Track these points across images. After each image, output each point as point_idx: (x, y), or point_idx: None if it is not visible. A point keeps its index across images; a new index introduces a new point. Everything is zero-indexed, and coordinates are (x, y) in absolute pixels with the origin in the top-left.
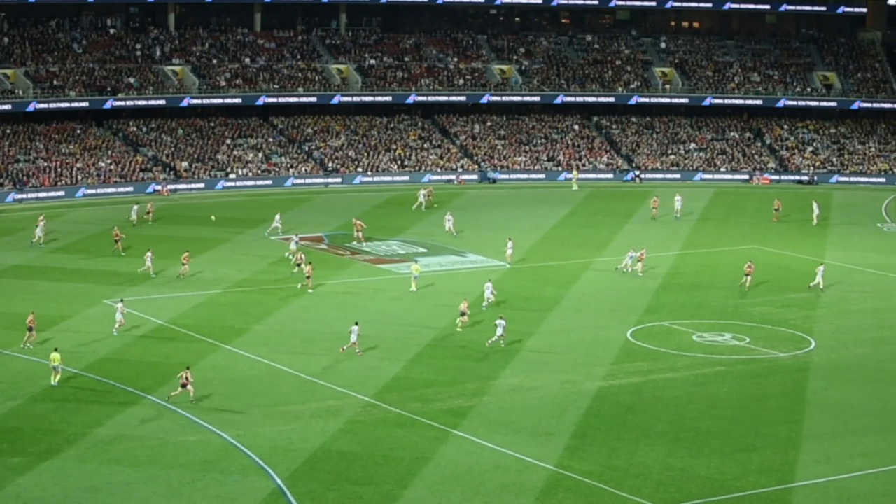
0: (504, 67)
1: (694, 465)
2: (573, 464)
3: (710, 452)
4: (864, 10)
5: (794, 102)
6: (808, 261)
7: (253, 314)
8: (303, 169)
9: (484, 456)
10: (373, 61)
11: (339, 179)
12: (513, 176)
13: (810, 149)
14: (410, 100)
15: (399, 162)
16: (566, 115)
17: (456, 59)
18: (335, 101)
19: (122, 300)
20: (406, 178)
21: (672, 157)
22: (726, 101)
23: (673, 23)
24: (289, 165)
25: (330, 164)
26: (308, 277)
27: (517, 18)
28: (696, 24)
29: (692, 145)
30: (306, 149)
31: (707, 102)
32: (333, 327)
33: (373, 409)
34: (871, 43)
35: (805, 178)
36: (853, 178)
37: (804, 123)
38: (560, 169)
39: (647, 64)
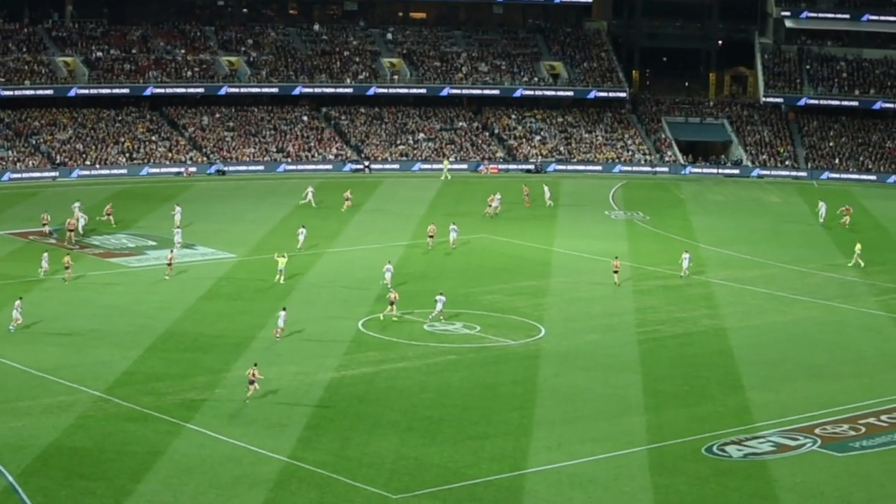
0: (232, 59)
1: (427, 453)
2: (306, 455)
3: (442, 441)
4: None
5: (531, 92)
6: (538, 249)
7: None
8: (30, 163)
9: (217, 449)
10: (100, 53)
11: (56, 173)
12: (241, 168)
13: (538, 138)
14: (148, 92)
15: (127, 155)
16: (295, 107)
17: (184, 51)
18: (72, 93)
19: None
20: (124, 171)
21: (401, 147)
22: (464, 92)
23: (400, 13)
24: (16, 159)
25: (58, 158)
26: (67, 268)
27: (245, 10)
28: (423, 15)
29: (421, 135)
30: (33, 142)
31: (445, 93)
32: (63, 322)
33: (105, 404)
34: (597, 32)
35: (532, 166)
36: (580, 167)
37: (532, 113)
38: (289, 160)
39: (376, 55)
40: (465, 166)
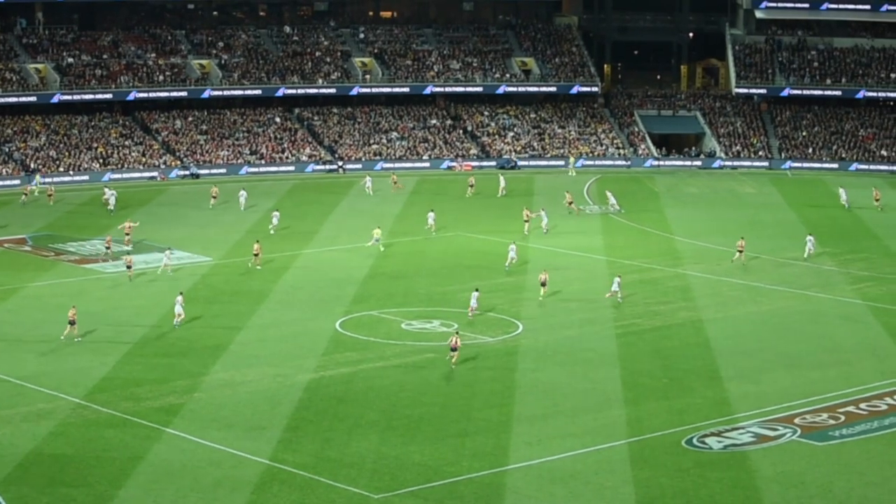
0: (203, 62)
1: (407, 452)
2: (287, 456)
3: (423, 439)
4: None
5: (514, 89)
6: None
7: None
8: (3, 171)
9: (197, 452)
10: (71, 60)
11: (17, 181)
12: (214, 171)
13: (511, 134)
14: (131, 97)
15: (101, 160)
16: (268, 108)
17: (154, 55)
18: (55, 100)
19: None
20: (86, 177)
21: (375, 146)
22: (447, 90)
23: (371, 13)
24: None
25: (32, 165)
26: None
27: (215, 13)
28: (393, 14)
29: (394, 134)
30: (6, 150)
31: (426, 91)
32: (40, 329)
33: (84, 411)
34: (568, 27)
35: (508, 163)
36: (553, 162)
37: (504, 109)
38: (263, 162)
39: (347, 55)
40: (427, 164)
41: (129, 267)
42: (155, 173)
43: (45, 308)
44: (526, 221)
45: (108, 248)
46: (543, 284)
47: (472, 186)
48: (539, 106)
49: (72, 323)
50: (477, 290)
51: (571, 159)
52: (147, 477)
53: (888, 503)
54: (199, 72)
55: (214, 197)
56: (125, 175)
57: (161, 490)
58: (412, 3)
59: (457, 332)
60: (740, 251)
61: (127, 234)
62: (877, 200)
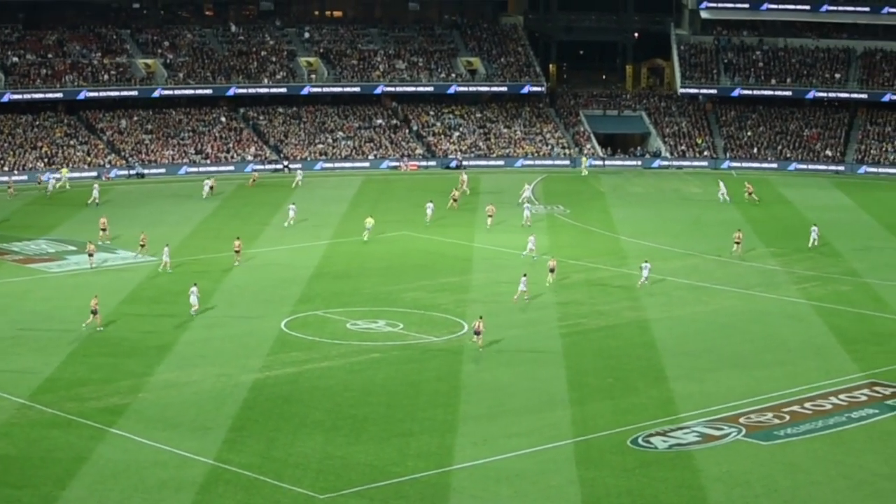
0: (149, 61)
1: (353, 452)
2: (232, 457)
3: (368, 439)
4: None
5: (465, 89)
6: (459, 245)
7: None
8: None
9: (142, 453)
10: (16, 59)
11: None
12: (158, 171)
13: (457, 134)
14: (81, 96)
15: (46, 160)
16: (213, 108)
17: (100, 55)
18: (5, 99)
19: None
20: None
21: (320, 146)
22: (397, 90)
23: (316, 12)
24: None
25: None
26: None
27: (161, 12)
28: (339, 14)
29: (340, 134)
30: None
31: (377, 91)
32: None
33: (28, 411)
34: (514, 27)
35: (453, 163)
36: (498, 162)
37: (450, 109)
38: (209, 161)
39: (293, 54)
40: (367, 164)
41: (90, 255)
42: (95, 172)
43: None
44: (489, 216)
45: (90, 254)
46: (552, 271)
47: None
48: (485, 106)
49: (94, 313)
50: (525, 275)
51: (584, 159)
52: (92, 478)
53: (832, 502)
54: (144, 71)
55: (212, 187)
56: (70, 175)
57: (106, 491)
58: (358, 3)
59: (480, 317)
60: (738, 243)
61: (103, 230)
62: (749, 194)
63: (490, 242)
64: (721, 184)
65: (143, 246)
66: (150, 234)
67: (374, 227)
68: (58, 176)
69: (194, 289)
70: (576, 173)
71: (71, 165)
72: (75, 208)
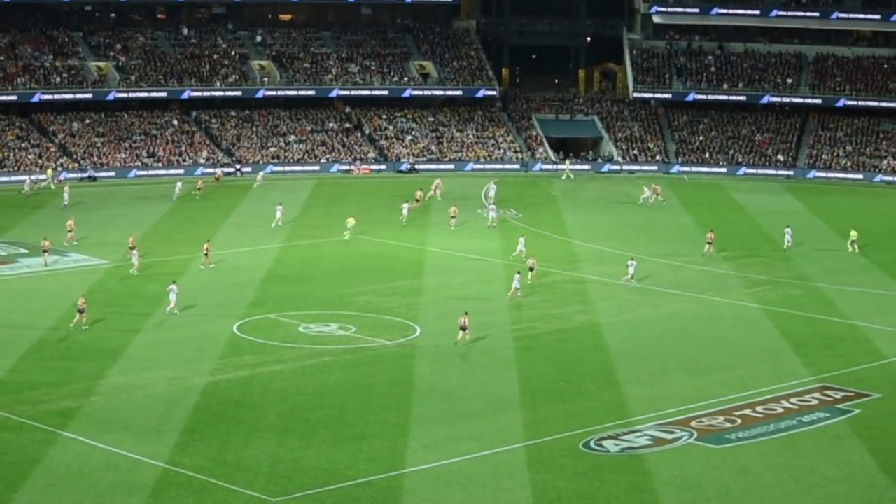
0: (101, 64)
1: (305, 455)
2: (184, 460)
3: (320, 443)
4: None
5: (420, 93)
6: (411, 248)
7: None
8: None
9: (94, 456)
10: None
11: None
12: (111, 174)
13: (409, 137)
14: (35, 98)
15: None
16: (165, 111)
17: (52, 57)
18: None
19: None
20: None
21: (273, 149)
22: (353, 94)
23: (269, 15)
24: None
25: None
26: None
27: (113, 15)
28: (291, 17)
29: (292, 137)
30: None
31: (332, 94)
32: None
33: None
34: (466, 31)
35: (405, 166)
36: (449, 165)
37: (402, 112)
38: (160, 165)
39: (245, 57)
40: (317, 168)
41: (45, 251)
42: (44, 175)
43: None
44: (452, 217)
45: (45, 250)
46: (531, 269)
47: (435, 189)
48: (437, 109)
49: (81, 311)
50: (518, 272)
51: (567, 163)
52: (44, 481)
53: None
54: (96, 74)
55: (199, 188)
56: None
57: (58, 494)
58: (310, 7)
59: (465, 313)
60: (710, 243)
61: (70, 232)
62: (657, 195)
63: (442, 246)
64: (645, 188)
65: (132, 248)
66: (98, 237)
67: (354, 227)
68: (43, 177)
69: (174, 286)
70: (528, 177)
71: (23, 168)
72: (30, 210)
